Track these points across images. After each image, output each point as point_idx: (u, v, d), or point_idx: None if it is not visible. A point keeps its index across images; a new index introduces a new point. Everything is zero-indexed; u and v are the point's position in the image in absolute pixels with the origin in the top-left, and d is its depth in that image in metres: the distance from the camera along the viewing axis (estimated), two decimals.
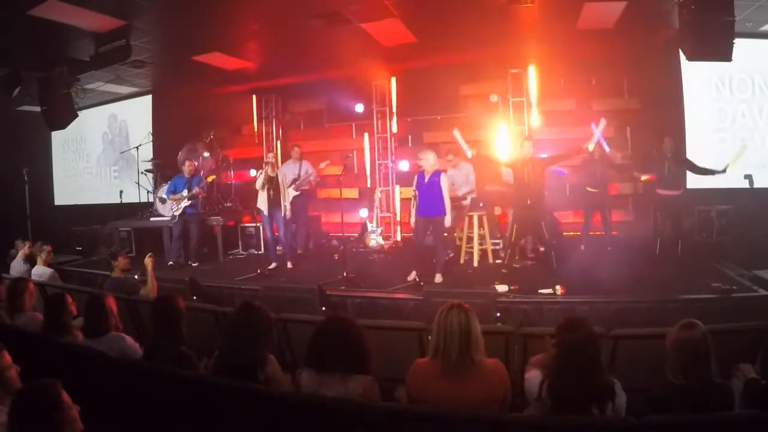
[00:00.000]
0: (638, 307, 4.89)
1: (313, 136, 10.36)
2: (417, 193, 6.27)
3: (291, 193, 7.96)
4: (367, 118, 9.67)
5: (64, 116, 7.71)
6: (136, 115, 10.75)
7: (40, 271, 6.13)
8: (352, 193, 9.59)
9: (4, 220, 9.08)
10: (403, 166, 9.30)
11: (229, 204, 9.67)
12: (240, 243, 9.08)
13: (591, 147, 6.68)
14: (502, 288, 5.53)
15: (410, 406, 2.53)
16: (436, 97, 9.23)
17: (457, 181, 7.22)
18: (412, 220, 6.46)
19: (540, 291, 5.40)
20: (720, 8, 5.16)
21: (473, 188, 7.29)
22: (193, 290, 5.61)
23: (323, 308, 4.96)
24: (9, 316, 3.94)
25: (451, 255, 7.18)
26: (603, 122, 6.62)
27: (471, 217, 7.12)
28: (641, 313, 4.82)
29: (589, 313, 4.75)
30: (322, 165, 8.55)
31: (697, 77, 7.91)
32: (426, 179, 6.19)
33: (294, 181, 8.26)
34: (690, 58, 5.79)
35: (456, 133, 6.71)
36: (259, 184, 7.25)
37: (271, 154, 7.86)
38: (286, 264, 7.42)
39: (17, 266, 6.46)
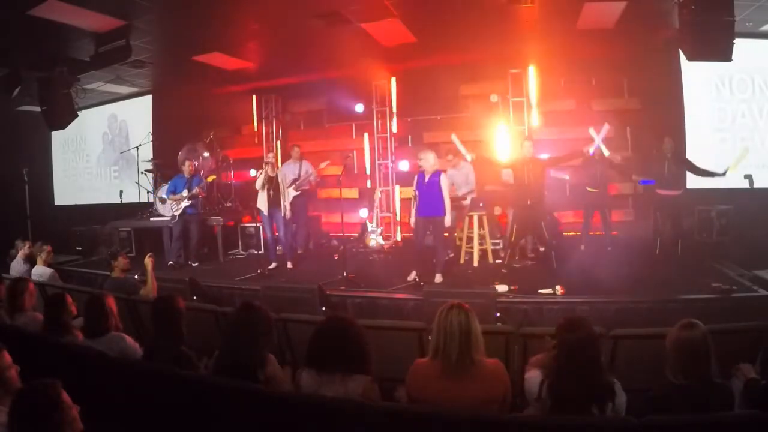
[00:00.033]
0: (638, 307, 4.90)
1: (313, 136, 10.36)
2: (417, 193, 6.27)
3: (291, 193, 7.96)
4: (367, 118, 9.67)
5: (64, 116, 7.71)
6: (136, 115, 10.74)
7: (40, 271, 6.13)
8: (352, 193, 9.58)
9: (4, 220, 9.07)
10: (403, 166, 9.30)
11: (229, 204, 9.66)
12: (240, 243, 9.08)
13: (591, 150, 6.69)
14: (502, 288, 5.53)
15: (410, 406, 2.53)
16: (436, 97, 9.22)
17: (456, 181, 7.21)
18: (412, 220, 6.47)
19: (540, 291, 5.41)
20: (720, 8, 5.16)
21: (473, 188, 7.29)
22: (193, 290, 5.61)
23: (323, 308, 4.96)
24: (9, 316, 3.94)
25: (451, 255, 7.19)
26: (606, 127, 6.61)
27: (471, 217, 7.12)
28: (641, 313, 4.82)
29: (589, 313, 4.75)
30: (322, 165, 8.56)
31: (697, 77, 7.91)
32: (426, 179, 6.20)
33: (294, 181, 8.27)
34: (690, 58, 5.79)
35: (455, 138, 6.72)
36: (259, 184, 7.25)
37: (271, 154, 7.86)
38: (286, 264, 7.42)
39: (17, 266, 6.46)
